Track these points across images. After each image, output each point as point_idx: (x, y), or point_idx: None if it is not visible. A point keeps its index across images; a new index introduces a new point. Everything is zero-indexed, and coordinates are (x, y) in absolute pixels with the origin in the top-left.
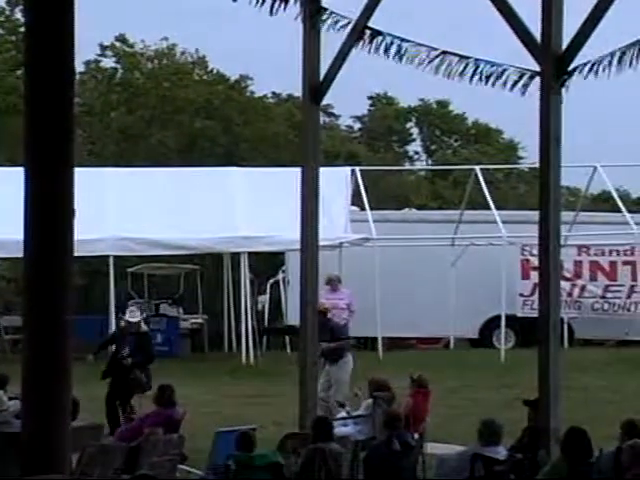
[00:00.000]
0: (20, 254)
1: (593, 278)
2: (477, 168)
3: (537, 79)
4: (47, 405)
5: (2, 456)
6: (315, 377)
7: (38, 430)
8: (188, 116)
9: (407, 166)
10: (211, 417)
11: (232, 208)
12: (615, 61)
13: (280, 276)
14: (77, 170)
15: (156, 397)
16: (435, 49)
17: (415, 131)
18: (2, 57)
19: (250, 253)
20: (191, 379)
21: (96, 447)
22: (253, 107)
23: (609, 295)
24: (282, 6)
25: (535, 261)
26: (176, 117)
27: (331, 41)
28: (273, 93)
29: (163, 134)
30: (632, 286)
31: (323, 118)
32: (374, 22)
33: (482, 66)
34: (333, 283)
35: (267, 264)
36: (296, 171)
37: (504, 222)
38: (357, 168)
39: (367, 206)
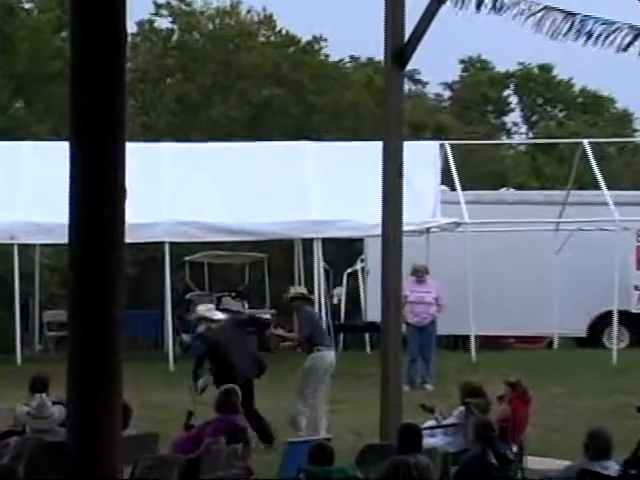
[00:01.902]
0: (65, 240)
1: None
2: (585, 142)
3: None
4: (95, 411)
5: (45, 468)
6: (400, 380)
7: (84, 439)
8: (254, 83)
9: (504, 140)
10: (280, 425)
11: (304, 188)
12: None
13: (358, 266)
14: (129, 145)
15: (218, 402)
16: (537, 4)
17: (513, 100)
18: (45, 17)
19: (324, 239)
20: (257, 382)
21: (150, 459)
22: (328, 73)
23: None
24: None
25: None
26: (240, 85)
27: None
28: (351, 57)
29: (225, 104)
30: None
31: (408, 85)
32: None
33: (590, 25)
34: (419, 274)
35: (344, 252)
36: (377, 145)
37: (617, 204)
38: (447, 142)
39: (458, 186)
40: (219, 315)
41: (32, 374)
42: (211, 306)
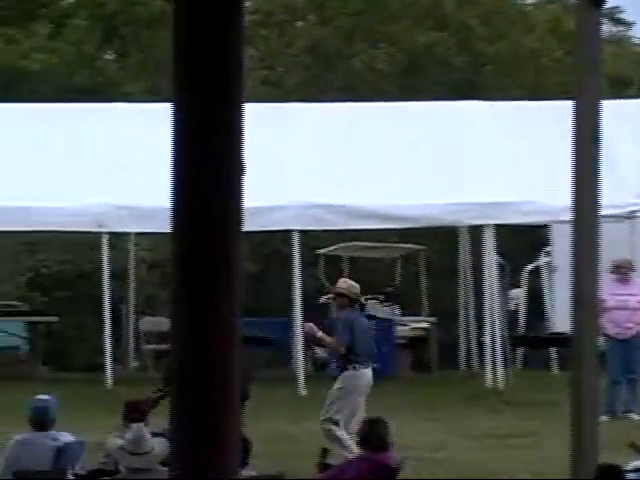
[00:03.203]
0: (166, 228)
1: None
2: None
3: None
4: (205, 446)
5: None
6: (596, 409)
7: None
8: (407, 27)
9: None
10: (442, 465)
11: (471, 160)
12: None
13: (542, 260)
14: (248, 106)
15: (362, 436)
16: None
17: None
18: None
19: (498, 227)
20: (412, 410)
21: None
22: (502, 13)
23: None
24: None
25: None
26: (389, 28)
27: None
28: None
29: (371, 52)
30: None
31: (607, 27)
32: None
33: None
34: (622, 271)
35: (523, 243)
36: (566, 105)
37: None
38: None
39: None
40: None
41: (126, 398)
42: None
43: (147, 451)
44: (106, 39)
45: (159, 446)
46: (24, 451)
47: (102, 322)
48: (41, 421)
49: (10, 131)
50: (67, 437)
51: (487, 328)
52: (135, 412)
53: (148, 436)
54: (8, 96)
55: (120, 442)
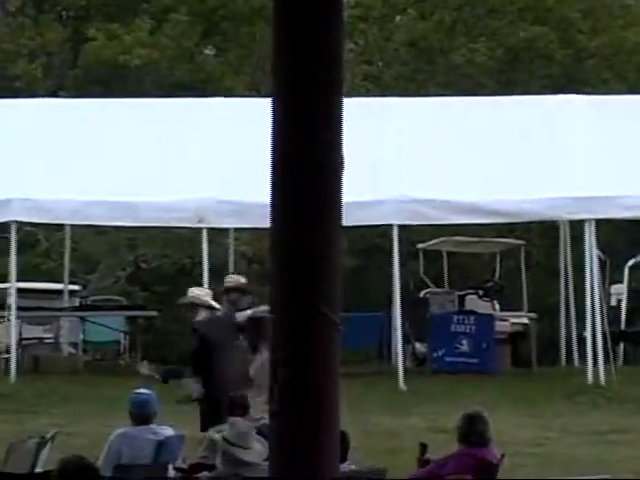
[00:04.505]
0: (265, 223)
1: None
2: None
3: None
4: (305, 441)
5: None
6: None
7: (292, 477)
8: (508, 21)
9: None
10: (541, 461)
11: (571, 155)
12: None
13: None
14: (347, 101)
15: (461, 431)
16: None
17: None
18: None
19: (599, 221)
20: (512, 406)
21: None
22: (604, 7)
23: None
24: None
25: None
26: (490, 22)
27: None
28: None
29: (471, 47)
30: None
31: None
32: None
33: None
34: None
35: (624, 238)
36: None
37: None
38: None
39: None
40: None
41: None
42: (208, 291)
43: (250, 446)
44: (206, 34)
45: (259, 443)
46: (125, 445)
47: None
48: (142, 415)
49: (112, 126)
50: (168, 431)
51: (588, 324)
52: (237, 407)
53: (252, 432)
54: (109, 92)
55: (222, 436)
